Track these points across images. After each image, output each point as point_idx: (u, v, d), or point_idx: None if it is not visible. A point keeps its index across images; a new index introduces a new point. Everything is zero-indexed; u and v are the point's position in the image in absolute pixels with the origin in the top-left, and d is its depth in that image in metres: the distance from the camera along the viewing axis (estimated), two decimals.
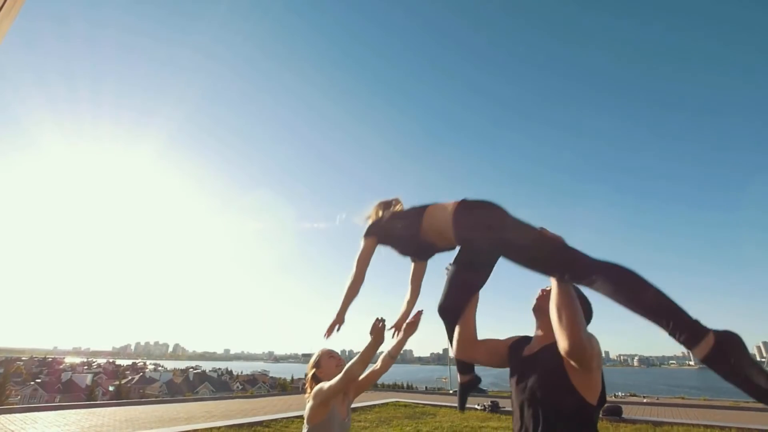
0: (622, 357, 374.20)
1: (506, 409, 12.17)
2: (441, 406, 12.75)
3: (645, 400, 27.49)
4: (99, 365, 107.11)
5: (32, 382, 60.38)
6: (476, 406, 12.68)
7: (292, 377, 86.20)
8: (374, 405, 12.59)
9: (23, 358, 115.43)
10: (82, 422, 8.71)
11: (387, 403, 13.17)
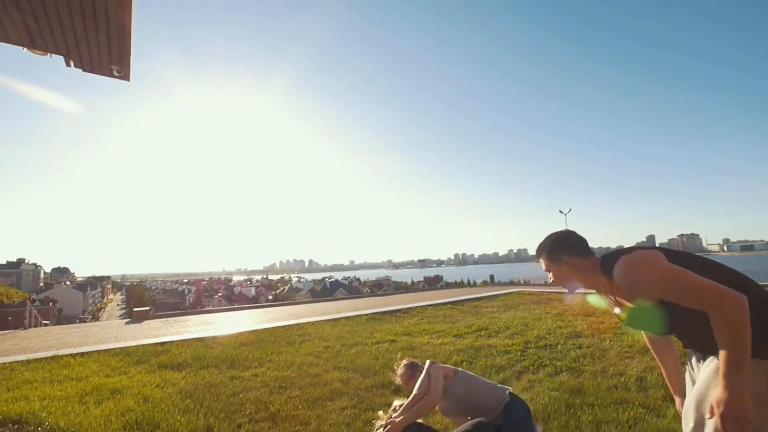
0: None
1: None
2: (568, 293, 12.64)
3: None
4: (257, 281, 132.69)
5: (216, 295, 78.82)
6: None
7: (412, 280, 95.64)
8: (498, 294, 13.14)
9: (205, 279, 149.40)
10: (262, 316, 11.04)
11: (511, 293, 13.61)
